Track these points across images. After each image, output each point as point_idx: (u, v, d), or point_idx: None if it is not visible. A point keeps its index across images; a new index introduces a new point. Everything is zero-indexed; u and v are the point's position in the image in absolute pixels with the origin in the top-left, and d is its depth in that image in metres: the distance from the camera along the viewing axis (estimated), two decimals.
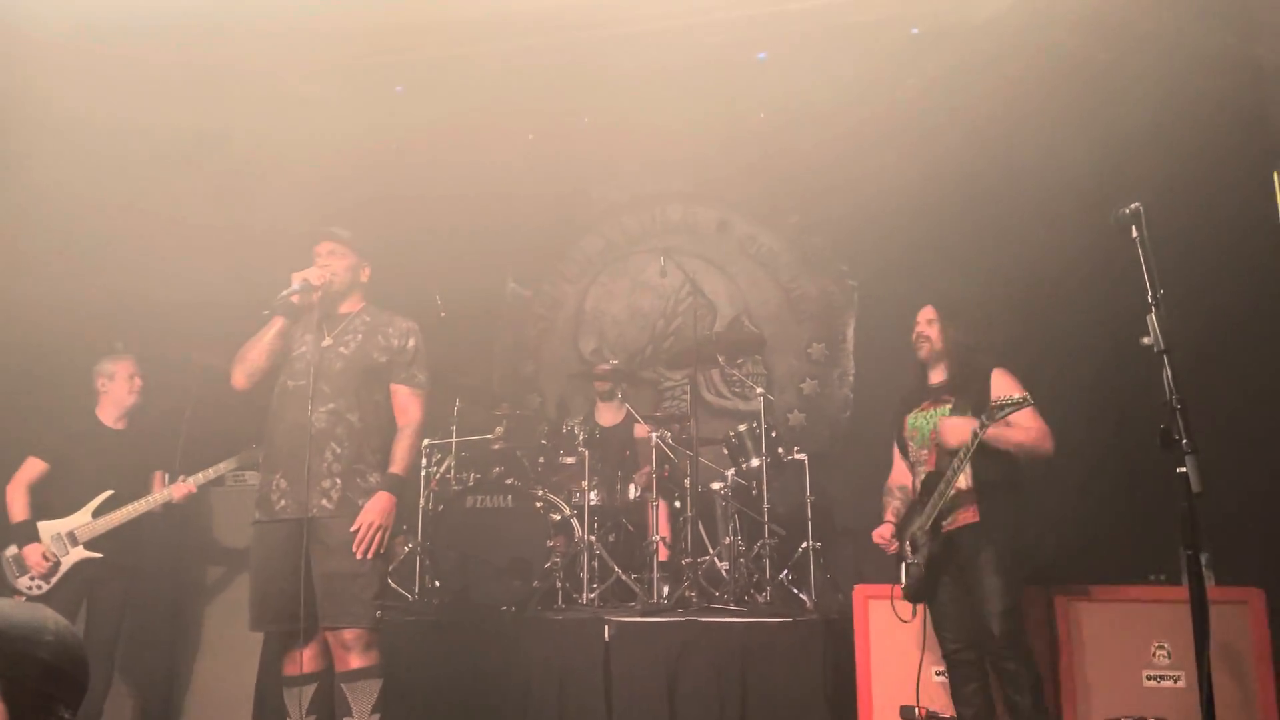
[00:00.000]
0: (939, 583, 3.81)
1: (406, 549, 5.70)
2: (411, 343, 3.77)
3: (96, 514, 4.62)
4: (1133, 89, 5.17)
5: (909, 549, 3.86)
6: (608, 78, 6.27)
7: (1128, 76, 5.18)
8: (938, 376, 4.03)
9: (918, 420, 3.98)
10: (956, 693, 3.82)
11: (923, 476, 3.86)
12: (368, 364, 3.67)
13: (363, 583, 3.45)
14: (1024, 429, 3.66)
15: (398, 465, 3.62)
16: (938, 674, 4.08)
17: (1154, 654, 4.07)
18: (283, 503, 3.53)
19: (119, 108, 5.40)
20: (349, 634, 3.42)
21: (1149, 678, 4.05)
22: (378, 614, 3.47)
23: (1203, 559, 4.18)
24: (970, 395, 3.80)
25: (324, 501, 3.50)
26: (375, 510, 3.50)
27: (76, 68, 5.15)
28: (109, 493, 4.65)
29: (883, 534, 3.97)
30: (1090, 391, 5.08)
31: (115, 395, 4.86)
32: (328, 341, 3.67)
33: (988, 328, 4.14)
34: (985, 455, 3.62)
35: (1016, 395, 3.47)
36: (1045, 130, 5.46)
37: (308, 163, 6.15)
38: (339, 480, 3.52)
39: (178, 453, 4.90)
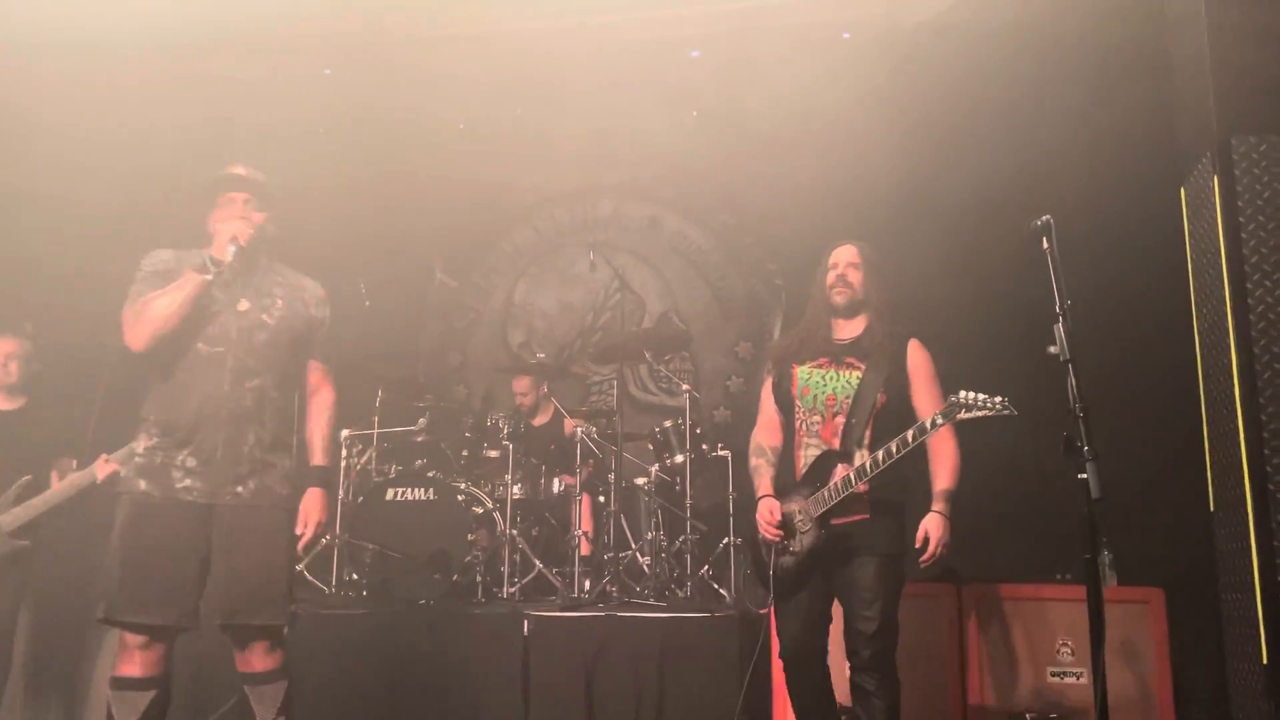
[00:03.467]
0: (807, 576, 3.31)
1: (324, 541, 5.61)
2: (327, 312, 3.47)
3: (17, 500, 4.45)
4: (1050, 103, 5.33)
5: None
6: (542, 69, 6.25)
7: (1045, 91, 5.33)
8: (848, 332, 3.47)
9: (814, 377, 3.41)
10: (793, 692, 3.42)
11: (818, 452, 3.33)
12: (293, 336, 3.35)
13: (278, 578, 3.19)
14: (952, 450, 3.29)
15: (321, 456, 3.37)
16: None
17: (1058, 651, 4.17)
18: (187, 482, 3.14)
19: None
20: (261, 632, 3.17)
21: (1053, 674, 4.16)
22: (293, 608, 3.29)
23: (1106, 559, 4.38)
24: (885, 364, 3.33)
25: (239, 489, 3.17)
26: (316, 508, 3.29)
27: None
28: (28, 477, 4.48)
29: (772, 515, 3.33)
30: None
31: None
32: (245, 305, 3.28)
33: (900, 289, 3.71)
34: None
35: (996, 400, 2.98)
36: (968, 138, 5.58)
37: (230, 145, 6.01)
38: (258, 465, 3.21)
39: (88, 435, 4.70)
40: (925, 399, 3.33)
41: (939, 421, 3.04)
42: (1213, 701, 4.13)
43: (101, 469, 4.48)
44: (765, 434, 3.54)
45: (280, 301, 3.35)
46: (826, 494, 3.23)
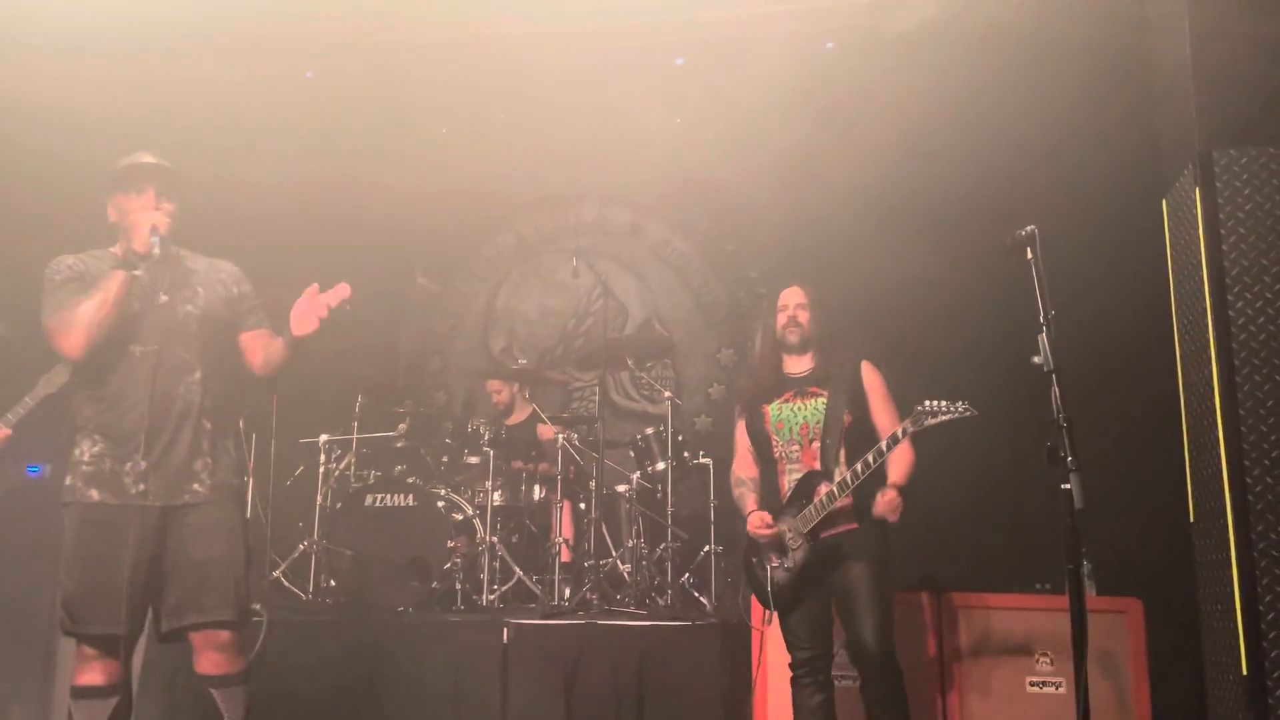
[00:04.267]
0: (805, 589, 3.57)
1: (302, 547, 5.56)
2: (248, 287, 3.40)
3: None
4: (1032, 114, 5.35)
5: (774, 553, 3.60)
6: (526, 75, 6.23)
7: (1028, 102, 5.36)
8: (800, 366, 3.80)
9: (784, 411, 3.72)
10: (803, 705, 3.59)
11: (800, 474, 3.62)
12: (220, 321, 3.28)
13: (237, 571, 3.12)
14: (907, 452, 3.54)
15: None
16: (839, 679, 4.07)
17: (1037, 661, 4.18)
18: (141, 487, 3.05)
19: None
20: (224, 632, 3.09)
21: (1032, 684, 4.17)
22: (256, 606, 3.24)
23: (1086, 569, 4.39)
24: (843, 386, 3.65)
25: (196, 486, 3.12)
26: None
27: None
28: None
29: (764, 520, 3.61)
30: (984, 405, 5.21)
31: None
32: (164, 299, 3.19)
33: (843, 318, 4.02)
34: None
35: (959, 404, 3.24)
36: (950, 148, 5.61)
37: (211, 147, 5.97)
38: (209, 459, 3.16)
39: None
40: (883, 415, 3.65)
41: (909, 429, 3.31)
42: (1191, 712, 4.15)
43: None
44: (743, 467, 3.86)
45: (200, 289, 3.28)
46: (812, 510, 3.51)
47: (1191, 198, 3.70)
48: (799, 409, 3.70)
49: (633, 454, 5.86)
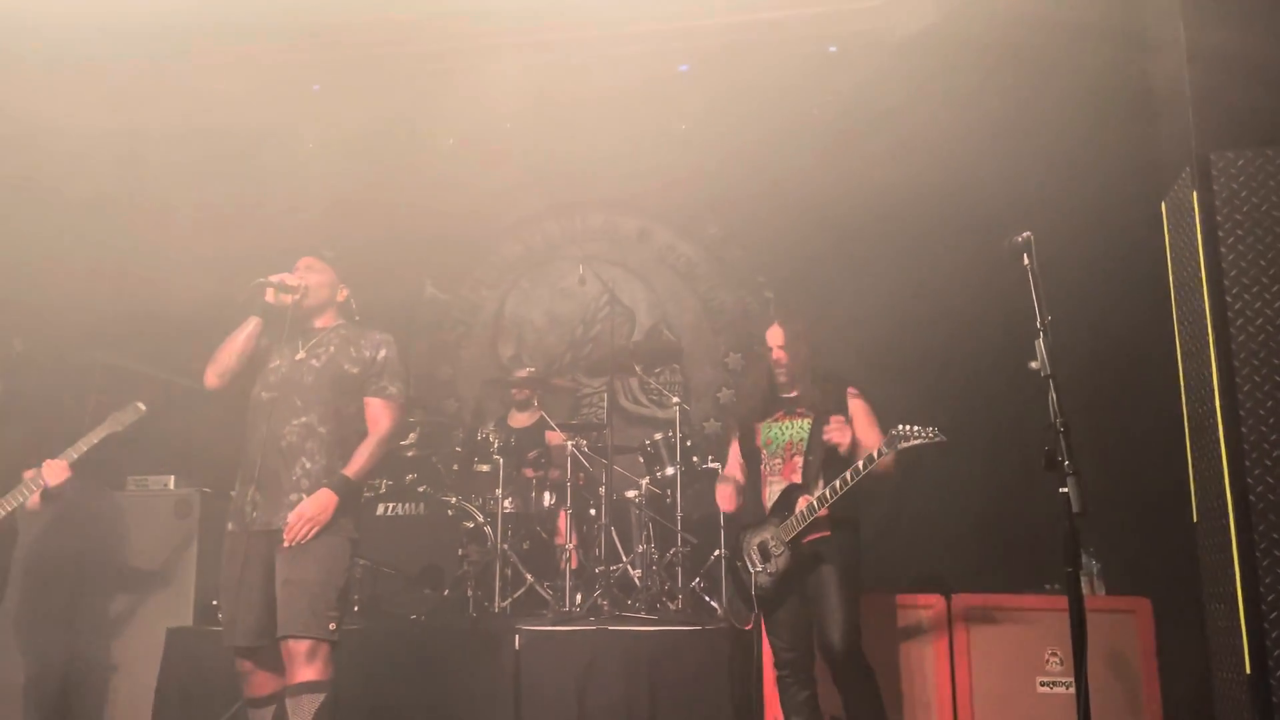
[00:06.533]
0: (787, 592, 3.85)
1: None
2: (383, 354, 3.77)
3: None
4: (1031, 118, 5.37)
5: (756, 557, 3.89)
6: (531, 84, 6.27)
7: (1027, 106, 5.38)
8: (790, 390, 4.07)
9: (772, 430, 4.02)
10: (789, 702, 3.87)
11: (782, 486, 3.90)
12: (338, 375, 3.67)
13: (317, 593, 3.44)
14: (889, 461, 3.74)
15: (351, 468, 3.61)
16: None
17: (1047, 661, 4.20)
18: (255, 514, 3.52)
19: None
20: (298, 644, 3.39)
21: (1042, 684, 4.18)
22: (332, 626, 3.45)
23: (1094, 569, 4.41)
24: (829, 411, 3.90)
25: (288, 514, 3.50)
26: (311, 503, 3.49)
27: None
28: None
29: (726, 493, 4.10)
30: (988, 407, 5.25)
31: None
32: (300, 355, 3.69)
33: (834, 342, 4.33)
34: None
35: (929, 430, 3.54)
36: (950, 153, 5.62)
37: (217, 159, 6.05)
38: (305, 495, 3.52)
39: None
40: (867, 436, 3.89)
41: (884, 451, 3.62)
42: (1202, 711, 4.15)
43: (50, 471, 4.44)
44: (732, 471, 4.20)
45: (332, 348, 3.73)
46: (793, 521, 3.81)
47: (1190, 200, 3.71)
48: (786, 428, 4.00)
49: (642, 459, 5.88)
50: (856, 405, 3.98)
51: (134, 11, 5.27)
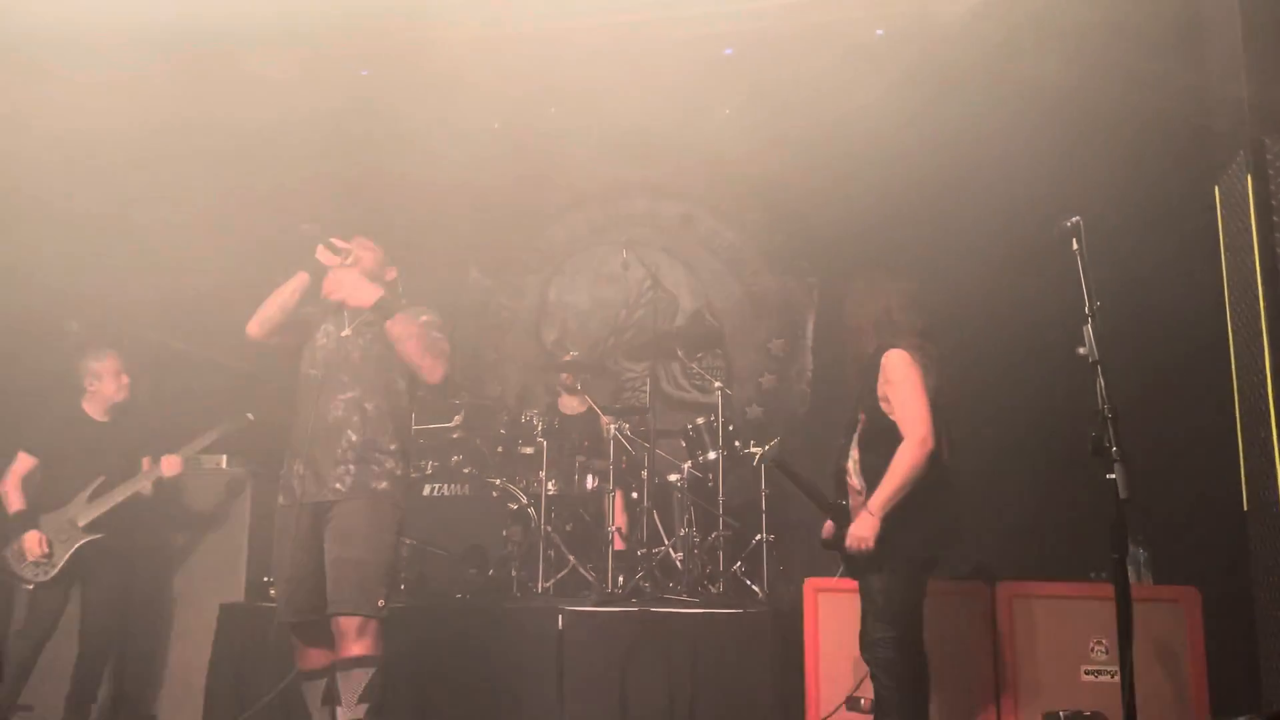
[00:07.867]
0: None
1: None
2: (424, 318, 3.81)
3: (92, 498, 4.76)
4: (1082, 103, 5.28)
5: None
6: (575, 69, 6.28)
7: (1077, 90, 5.28)
8: None
9: None
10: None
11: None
12: (381, 351, 3.72)
13: (367, 570, 3.50)
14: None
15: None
16: None
17: (1092, 649, 4.16)
18: (302, 488, 3.59)
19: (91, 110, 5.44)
20: (348, 621, 3.45)
21: (1087, 672, 4.15)
22: (380, 603, 3.50)
23: (1141, 558, 4.36)
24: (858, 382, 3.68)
25: (337, 485, 3.56)
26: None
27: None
28: (101, 478, 4.79)
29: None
30: (1036, 394, 5.19)
31: (104, 393, 4.98)
32: (347, 332, 3.73)
33: None
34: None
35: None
36: (998, 136, 5.54)
37: (270, 146, 6.14)
38: (353, 467, 3.58)
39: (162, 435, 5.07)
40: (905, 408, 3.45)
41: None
42: (1249, 701, 4.10)
43: (167, 464, 4.74)
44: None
45: (380, 325, 3.71)
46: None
47: (1244, 185, 3.64)
48: None
49: (684, 443, 5.91)
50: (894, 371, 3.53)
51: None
